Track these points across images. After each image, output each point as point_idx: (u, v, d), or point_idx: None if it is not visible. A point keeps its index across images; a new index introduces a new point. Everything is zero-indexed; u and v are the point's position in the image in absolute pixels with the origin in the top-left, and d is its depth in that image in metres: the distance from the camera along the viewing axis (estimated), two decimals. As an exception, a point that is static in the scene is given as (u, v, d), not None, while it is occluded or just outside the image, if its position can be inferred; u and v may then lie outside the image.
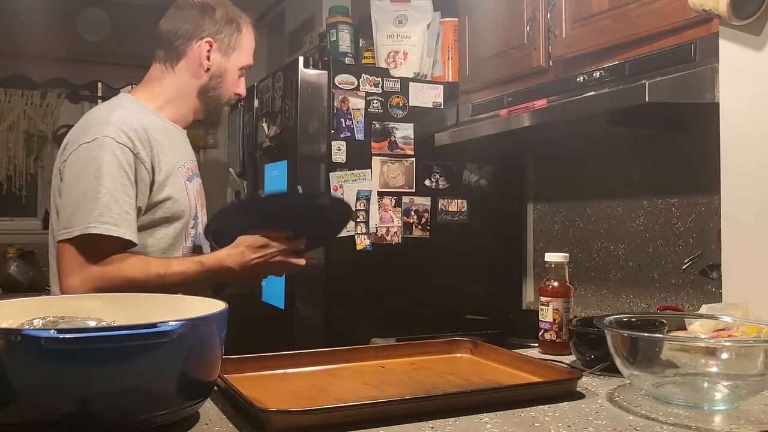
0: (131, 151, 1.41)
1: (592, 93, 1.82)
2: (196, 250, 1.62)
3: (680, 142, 2.05)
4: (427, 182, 2.49)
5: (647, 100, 1.56)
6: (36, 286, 3.95)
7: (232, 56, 1.59)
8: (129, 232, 1.40)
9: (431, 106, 2.52)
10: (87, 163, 1.36)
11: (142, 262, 1.43)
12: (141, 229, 1.45)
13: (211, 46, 1.56)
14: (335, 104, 2.39)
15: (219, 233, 1.55)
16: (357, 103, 2.38)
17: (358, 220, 2.37)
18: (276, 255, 1.51)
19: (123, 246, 1.40)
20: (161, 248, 1.51)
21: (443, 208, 2.52)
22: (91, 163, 1.36)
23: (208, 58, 1.55)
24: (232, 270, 1.48)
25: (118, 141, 1.39)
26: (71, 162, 1.38)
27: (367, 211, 2.40)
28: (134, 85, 1.64)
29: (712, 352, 1.05)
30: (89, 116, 1.49)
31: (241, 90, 1.66)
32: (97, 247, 1.37)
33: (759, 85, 1.42)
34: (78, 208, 1.35)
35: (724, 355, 1.04)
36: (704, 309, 1.38)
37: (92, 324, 1.00)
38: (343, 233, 1.91)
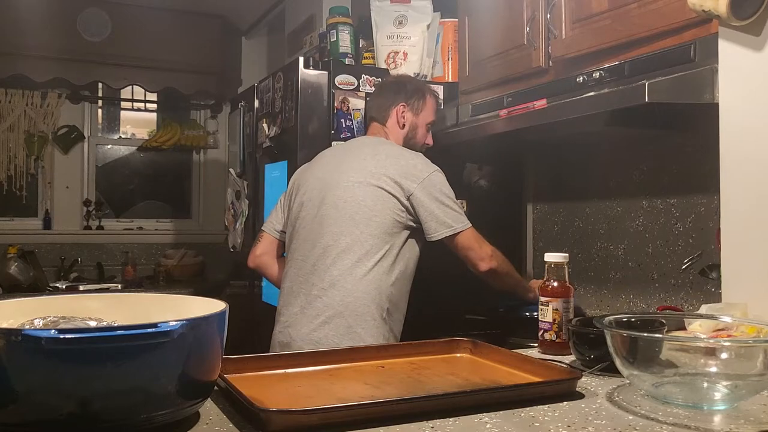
0: None
1: (591, 93, 1.82)
2: None
3: (680, 142, 2.05)
4: (427, 182, 2.49)
5: (647, 100, 1.56)
6: (36, 286, 3.95)
7: (420, 115, 2.15)
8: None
9: (431, 106, 2.52)
10: (444, 184, 1.96)
11: None
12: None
13: (404, 108, 2.13)
14: (335, 104, 2.39)
15: None
16: (357, 103, 2.39)
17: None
18: None
19: None
20: None
21: (443, 208, 2.52)
22: (445, 185, 1.96)
23: (403, 116, 2.13)
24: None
25: (440, 171, 1.98)
26: (432, 183, 1.93)
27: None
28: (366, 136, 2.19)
29: (711, 352, 1.05)
30: (407, 157, 1.99)
31: (429, 141, 2.21)
32: (470, 237, 1.96)
33: (758, 86, 1.42)
34: (452, 212, 1.94)
35: (724, 355, 1.04)
36: (704, 309, 1.38)
37: (93, 324, 1.00)
38: None
